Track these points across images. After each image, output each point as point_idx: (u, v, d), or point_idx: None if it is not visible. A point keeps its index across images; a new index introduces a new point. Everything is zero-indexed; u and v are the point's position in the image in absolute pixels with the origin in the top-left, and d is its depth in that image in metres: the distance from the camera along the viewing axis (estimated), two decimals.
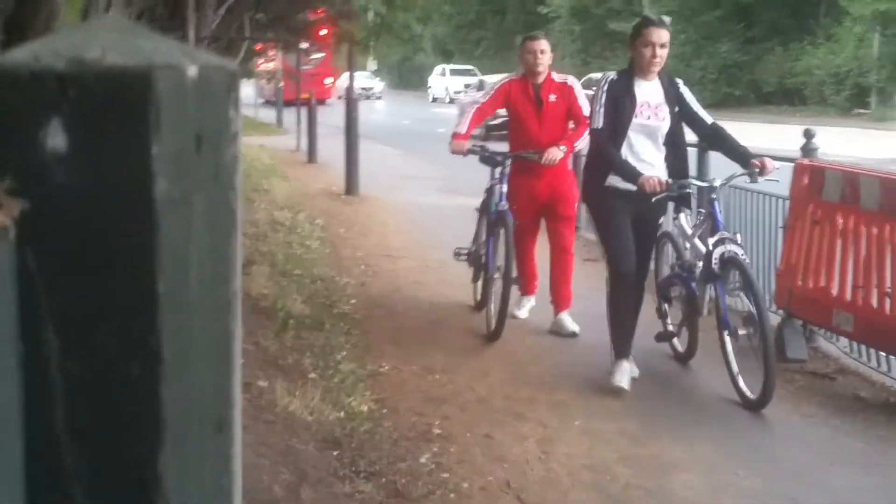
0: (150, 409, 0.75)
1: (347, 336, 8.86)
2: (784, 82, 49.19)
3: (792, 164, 8.61)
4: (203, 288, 0.77)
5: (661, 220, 8.27)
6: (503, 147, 9.79)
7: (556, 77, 9.49)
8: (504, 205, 9.17)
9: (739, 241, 7.66)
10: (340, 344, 8.50)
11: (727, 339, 7.53)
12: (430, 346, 8.73)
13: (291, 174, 22.02)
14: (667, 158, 7.87)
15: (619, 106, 7.70)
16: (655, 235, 8.30)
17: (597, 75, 23.09)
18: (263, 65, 34.30)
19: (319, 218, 15.70)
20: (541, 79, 9.40)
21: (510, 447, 6.54)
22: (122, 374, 0.74)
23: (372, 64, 68.55)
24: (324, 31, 14.62)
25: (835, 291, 7.95)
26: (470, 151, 9.58)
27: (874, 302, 7.55)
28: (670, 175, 7.72)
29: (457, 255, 10.27)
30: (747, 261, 7.60)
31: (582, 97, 9.40)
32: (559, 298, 9.42)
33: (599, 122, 7.74)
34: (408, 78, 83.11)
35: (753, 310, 7.20)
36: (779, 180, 8.02)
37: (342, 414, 6.74)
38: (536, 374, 8.05)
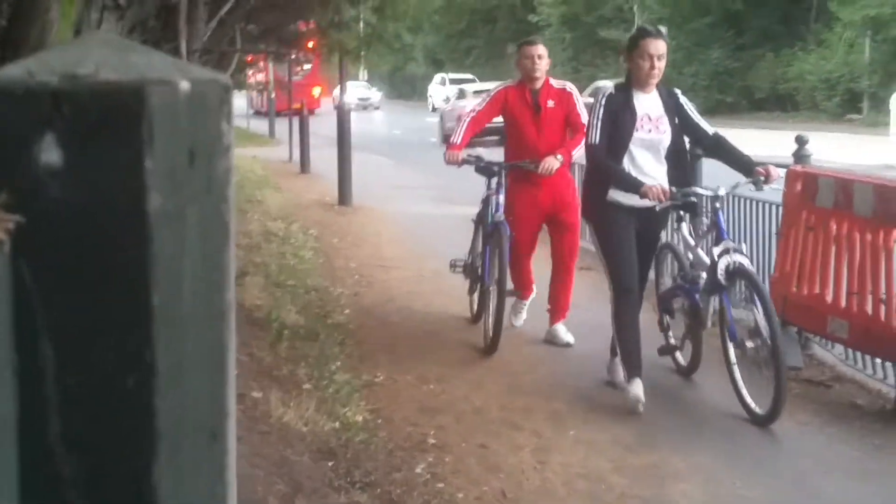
0: (145, 420, 0.75)
1: (342, 346, 8.86)
2: (776, 88, 49.25)
3: (784, 171, 8.59)
4: (197, 300, 0.77)
5: (662, 231, 8.13)
6: (492, 154, 9.73)
7: (555, 83, 9.34)
8: (500, 216, 9.02)
9: (745, 251, 7.55)
10: (335, 354, 8.49)
11: (733, 351, 7.38)
12: (424, 356, 8.72)
13: (284, 185, 22.02)
14: (669, 172, 7.69)
15: (619, 120, 7.53)
16: (655, 247, 8.16)
17: (603, 83, 22.49)
18: (254, 76, 34.32)
19: (313, 228, 15.69)
20: (538, 84, 9.22)
21: (505, 457, 6.53)
22: (117, 385, 0.74)
23: (363, 74, 68.53)
24: (311, 43, 14.61)
25: (829, 298, 7.96)
26: (465, 162, 9.40)
27: (869, 308, 7.55)
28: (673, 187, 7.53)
29: (453, 266, 10.10)
30: (754, 271, 7.49)
31: (580, 104, 9.22)
32: (557, 309, 9.29)
33: (596, 138, 7.58)
34: (399, 87, 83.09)
35: (762, 322, 6.99)
36: (782, 189, 7.94)
37: (337, 424, 6.73)
38: (531, 383, 8.04)
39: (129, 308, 0.73)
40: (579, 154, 9.01)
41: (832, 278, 7.98)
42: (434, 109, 63.14)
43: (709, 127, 7.87)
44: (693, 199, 7.71)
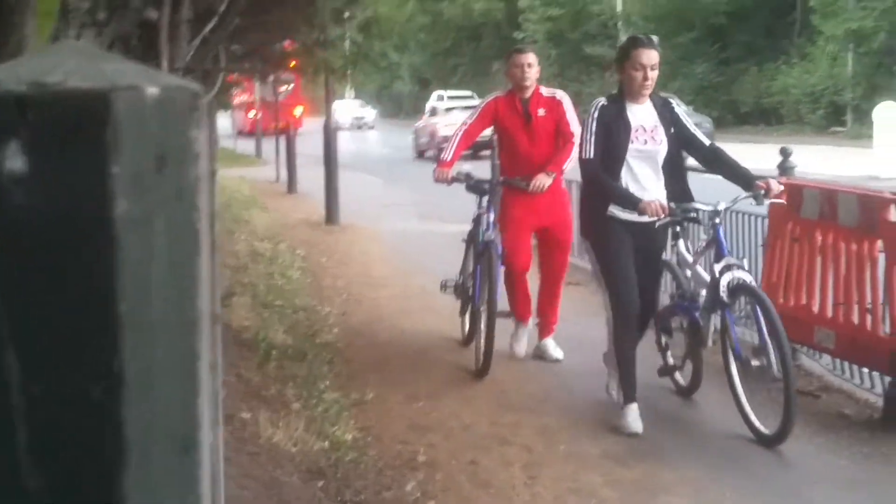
0: (114, 430, 0.74)
1: (330, 365, 8.83)
2: (760, 102, 49.42)
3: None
4: (167, 308, 0.76)
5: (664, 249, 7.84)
6: (478, 169, 9.62)
7: (545, 91, 9.17)
8: (490, 235, 8.84)
9: (747, 267, 7.36)
10: (323, 374, 8.47)
11: (736, 370, 7.18)
12: (413, 374, 8.70)
13: (271, 205, 22.02)
14: (667, 184, 7.48)
15: (613, 133, 7.32)
16: (660, 267, 7.85)
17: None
18: (238, 97, 34.41)
19: (300, 248, 15.68)
20: (528, 93, 9.04)
21: (496, 473, 6.52)
22: (84, 395, 0.73)
23: (351, 93, 68.62)
24: (293, 63, 14.61)
25: (816, 309, 7.97)
26: (454, 180, 9.24)
27: (855, 318, 7.56)
28: (671, 201, 7.31)
29: (443, 287, 9.85)
30: (758, 287, 7.31)
31: (571, 112, 9.03)
32: (545, 324, 9.21)
33: (590, 152, 7.36)
34: (385, 105, 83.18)
35: (768, 339, 6.77)
36: (784, 202, 7.75)
37: (326, 444, 6.71)
38: (521, 399, 8.03)
39: (96, 316, 0.73)
40: (570, 166, 8.88)
41: (818, 289, 8.00)
42: None
43: (705, 138, 7.69)
44: (693, 214, 7.52)
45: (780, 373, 6.65)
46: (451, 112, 39.48)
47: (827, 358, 8.07)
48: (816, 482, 6.30)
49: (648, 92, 7.41)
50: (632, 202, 7.12)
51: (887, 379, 7.35)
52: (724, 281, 7.11)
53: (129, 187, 0.72)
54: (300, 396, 7.67)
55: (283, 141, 26.81)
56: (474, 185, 9.26)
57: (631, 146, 7.32)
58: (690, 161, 7.82)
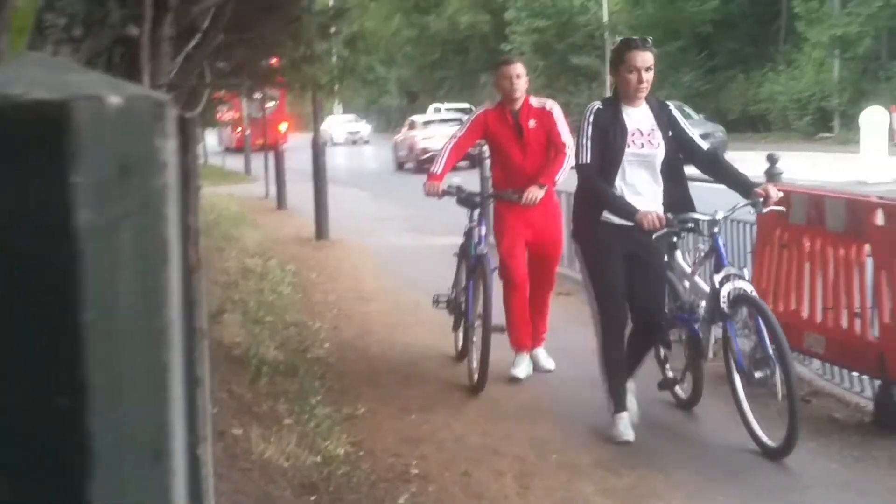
0: (80, 439, 0.74)
1: (322, 380, 8.83)
2: (748, 109, 49.57)
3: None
4: (134, 318, 0.77)
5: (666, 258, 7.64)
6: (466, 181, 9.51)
7: (535, 102, 9.00)
8: (483, 248, 8.81)
9: (748, 277, 7.26)
10: (315, 388, 8.46)
11: (739, 382, 7.05)
12: (405, 387, 8.71)
13: (261, 221, 22.03)
14: (665, 190, 7.32)
15: (609, 137, 7.15)
16: (662, 273, 7.54)
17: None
18: (225, 114, 34.50)
19: (290, 264, 15.67)
20: (518, 105, 8.90)
21: (488, 484, 6.53)
22: (49, 404, 0.74)
23: (339, 108, 68.59)
24: (279, 80, 14.60)
25: (805, 314, 7.99)
26: (445, 193, 9.10)
27: (844, 323, 7.59)
28: (671, 208, 7.17)
29: (436, 302, 9.76)
30: (759, 298, 7.18)
31: (562, 122, 8.92)
32: (534, 335, 9.12)
33: (587, 157, 7.19)
34: (377, 120, 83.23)
35: (771, 350, 6.69)
36: (784, 209, 7.57)
37: (319, 458, 6.71)
38: (512, 409, 8.03)
39: (60, 325, 0.73)
40: (563, 177, 8.83)
41: (807, 294, 8.01)
42: None
43: (703, 142, 7.55)
44: (691, 224, 7.31)
45: (783, 384, 6.59)
46: (429, 125, 41.13)
47: (817, 362, 8.10)
48: (808, 486, 6.32)
49: (644, 95, 7.27)
50: (629, 213, 6.96)
51: (877, 382, 7.39)
52: (724, 291, 6.99)
53: (92, 196, 0.72)
54: (292, 411, 7.66)
55: (272, 157, 26.85)
56: (465, 199, 9.18)
57: (627, 150, 7.18)
58: (691, 170, 7.63)
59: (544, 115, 8.92)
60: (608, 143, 7.16)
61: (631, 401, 7.44)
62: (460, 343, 9.45)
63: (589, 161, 7.19)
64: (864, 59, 44.96)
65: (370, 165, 45.36)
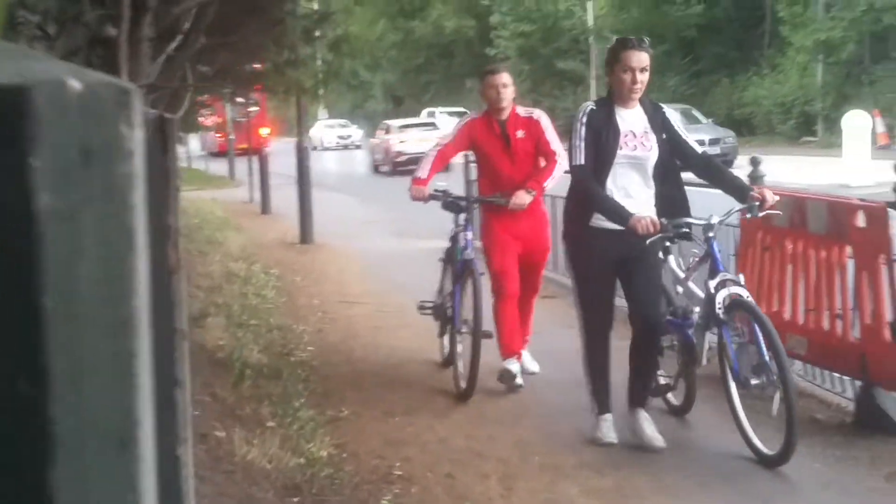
0: (41, 424, 0.74)
1: (306, 383, 8.82)
2: (732, 113, 49.66)
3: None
4: (97, 305, 0.77)
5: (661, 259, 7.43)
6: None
7: (522, 111, 8.82)
8: (470, 253, 8.67)
9: (743, 282, 7.11)
10: (298, 391, 8.45)
11: (735, 390, 6.93)
12: (389, 390, 8.70)
13: (245, 225, 21.99)
14: (659, 194, 7.21)
15: (601, 138, 7.02)
16: (658, 277, 7.35)
17: None
18: (209, 118, 34.59)
19: (275, 268, 15.65)
20: (505, 115, 8.71)
21: (472, 486, 6.53)
22: (9, 388, 0.74)
23: (323, 112, 68.47)
24: (262, 83, 14.59)
25: (787, 316, 8.01)
26: (432, 197, 8.93)
27: (826, 324, 7.62)
28: (667, 211, 7.04)
29: (421, 308, 9.67)
30: (755, 304, 7.07)
31: (550, 131, 8.74)
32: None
33: (580, 159, 7.03)
34: (362, 124, 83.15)
35: (767, 358, 6.55)
36: (781, 213, 7.49)
37: (302, 460, 6.70)
38: (495, 412, 8.03)
39: (19, 309, 0.73)
40: (552, 184, 8.73)
41: (789, 296, 8.04)
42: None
43: (697, 146, 7.38)
44: (686, 229, 7.15)
45: (781, 391, 6.46)
46: (403, 130, 42.42)
47: (799, 364, 8.11)
48: (790, 486, 6.34)
49: (638, 96, 7.12)
50: (622, 217, 6.81)
51: (858, 383, 7.41)
52: (720, 297, 6.87)
53: (52, 181, 0.73)
54: (275, 414, 7.65)
55: (256, 162, 26.83)
56: (451, 203, 9.07)
57: (619, 152, 7.05)
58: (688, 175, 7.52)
59: (532, 125, 8.75)
60: (600, 144, 7.04)
61: (649, 428, 7.16)
62: (446, 349, 9.31)
63: (582, 162, 7.04)
64: (847, 64, 45.10)
65: (359, 170, 45.35)
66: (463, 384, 8.39)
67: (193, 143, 48.47)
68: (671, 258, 7.62)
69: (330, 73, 13.85)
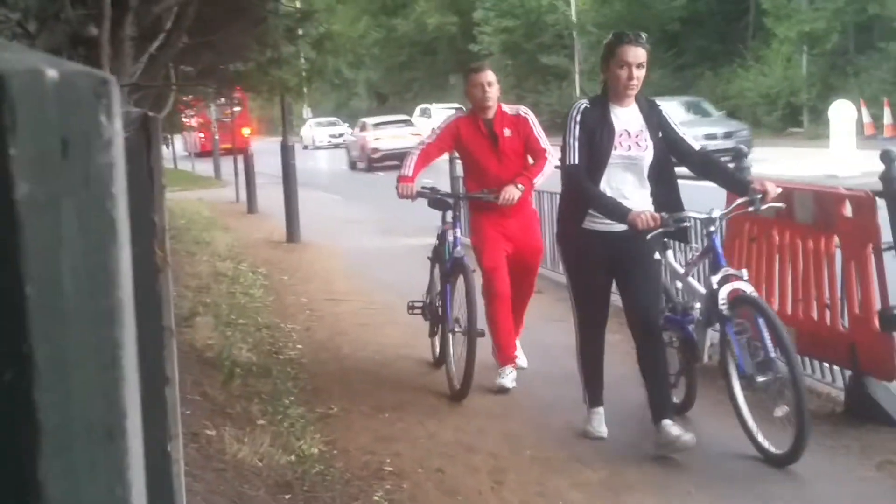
0: (27, 414, 0.74)
1: (295, 381, 8.83)
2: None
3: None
4: (80, 295, 0.76)
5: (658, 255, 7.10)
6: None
7: (508, 109, 8.67)
8: (460, 251, 8.54)
9: (746, 277, 6.91)
10: (288, 389, 8.46)
11: (740, 388, 6.74)
12: (378, 387, 8.70)
13: (232, 225, 22.00)
14: (653, 194, 6.99)
15: (595, 137, 6.79)
16: (656, 278, 7.08)
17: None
18: (191, 118, 34.65)
19: (262, 267, 15.67)
20: (491, 113, 8.55)
21: (463, 480, 6.53)
22: None
23: (307, 111, 68.39)
24: (246, 83, 14.58)
25: (776, 307, 8.00)
26: (419, 195, 8.81)
27: (815, 314, 7.63)
28: (660, 210, 6.78)
29: (411, 308, 9.55)
30: (761, 298, 6.95)
31: (538, 128, 8.62)
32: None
33: (574, 158, 6.81)
34: (349, 123, 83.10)
35: (774, 354, 6.41)
36: (784, 205, 7.36)
37: (293, 458, 6.71)
38: (485, 406, 8.04)
39: (2, 298, 0.73)
40: (542, 181, 8.65)
41: (777, 287, 8.04)
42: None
43: (694, 142, 7.15)
44: (687, 224, 7.05)
45: (790, 387, 6.29)
46: (378, 127, 43.54)
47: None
48: (781, 475, 6.34)
49: (634, 92, 6.91)
50: (620, 214, 6.62)
51: (848, 373, 7.42)
52: (723, 293, 6.66)
53: (31, 170, 0.72)
54: (265, 412, 7.65)
55: (241, 161, 26.83)
56: (438, 200, 8.97)
57: (614, 152, 6.83)
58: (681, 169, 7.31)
59: (520, 123, 8.61)
60: (594, 144, 6.82)
61: (674, 430, 6.70)
62: (437, 349, 9.21)
63: (577, 162, 6.83)
64: (831, 55, 45.18)
65: (343, 168, 45.40)
66: (457, 384, 8.23)
67: (178, 144, 48.53)
68: (669, 253, 7.51)
69: (313, 71, 13.85)
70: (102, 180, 0.78)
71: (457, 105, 51.90)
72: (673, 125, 7.09)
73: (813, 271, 7.66)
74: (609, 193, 6.80)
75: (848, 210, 7.33)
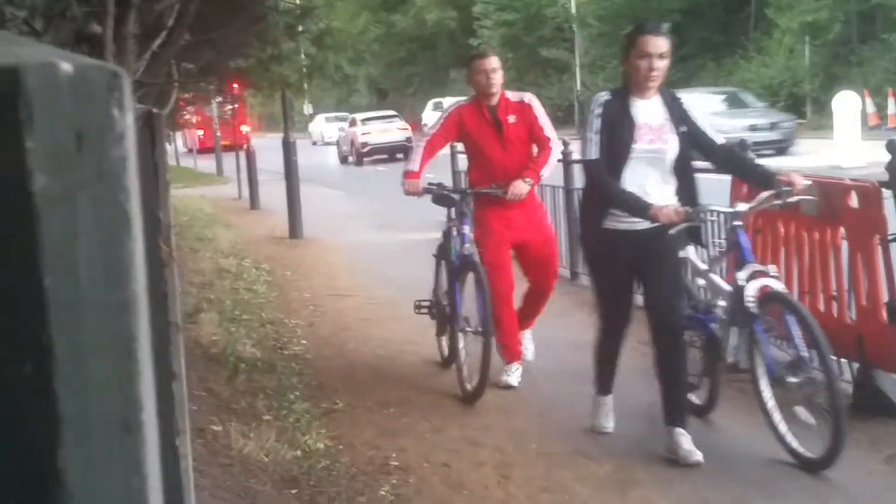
0: (47, 405, 0.75)
1: (300, 376, 8.83)
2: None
3: (730, 177, 8.51)
4: (96, 287, 0.77)
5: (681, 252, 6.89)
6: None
7: (512, 96, 8.54)
8: (469, 248, 8.34)
9: (776, 274, 6.73)
10: (293, 384, 8.47)
11: (770, 389, 6.51)
12: (382, 381, 8.71)
13: (235, 222, 22.04)
14: (677, 190, 6.72)
15: (616, 131, 6.55)
16: (680, 269, 6.90)
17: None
18: (192, 116, 34.75)
19: (265, 263, 15.69)
20: (495, 100, 8.43)
21: (468, 474, 6.54)
22: (14, 369, 0.74)
23: (307, 107, 68.33)
24: (247, 80, 14.60)
25: None
26: (426, 191, 8.68)
27: (821, 306, 7.60)
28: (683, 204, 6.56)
29: (417, 308, 9.43)
30: (791, 295, 6.74)
31: (543, 116, 8.49)
32: (523, 323, 8.79)
33: (594, 152, 6.57)
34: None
35: (805, 353, 6.25)
36: (814, 198, 7.06)
37: (299, 453, 6.73)
38: (490, 401, 8.01)
39: (20, 290, 0.73)
40: (549, 172, 8.51)
41: (783, 279, 8.02)
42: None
43: (717, 136, 6.90)
44: (712, 217, 6.85)
45: (825, 388, 6.10)
46: (367, 122, 45.69)
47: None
48: (788, 469, 6.32)
49: (655, 84, 6.65)
50: (642, 209, 6.38)
51: (855, 365, 7.39)
52: (750, 290, 6.44)
53: (48, 163, 0.73)
54: (270, 408, 7.67)
55: (243, 158, 26.85)
56: (443, 197, 8.80)
57: (635, 146, 6.56)
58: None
59: (524, 109, 8.48)
60: (614, 137, 6.56)
61: (685, 443, 6.59)
62: (445, 349, 9.05)
63: (596, 157, 6.60)
64: (834, 45, 45.06)
65: (346, 165, 45.47)
66: (468, 386, 8.06)
67: (179, 141, 48.76)
68: (691, 250, 7.19)
69: (314, 67, 13.86)
70: (116, 173, 0.78)
71: (465, 98, 52.09)
72: (695, 119, 6.82)
73: (819, 263, 7.64)
74: (631, 189, 6.51)
75: (854, 201, 7.31)
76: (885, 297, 7.07)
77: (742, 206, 6.80)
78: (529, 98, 8.68)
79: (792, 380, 6.33)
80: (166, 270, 2.74)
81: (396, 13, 75.22)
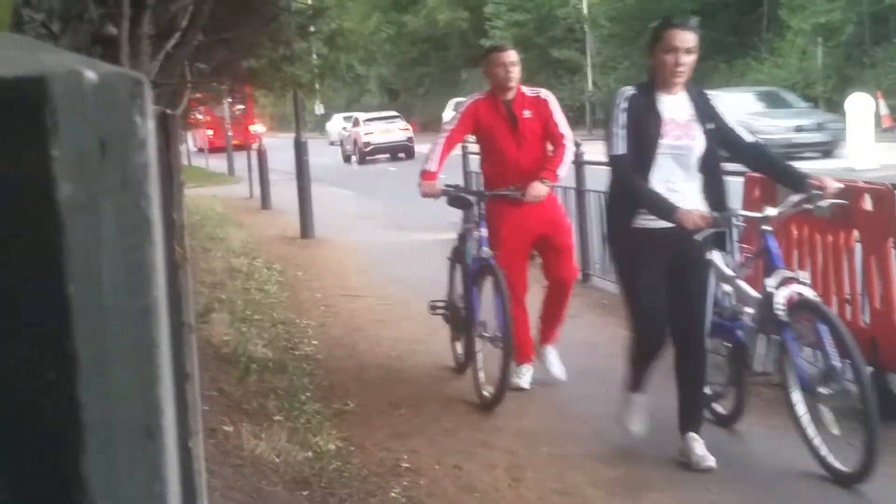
0: (71, 412, 0.75)
1: (311, 377, 8.84)
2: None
3: (742, 178, 8.49)
4: (118, 294, 0.77)
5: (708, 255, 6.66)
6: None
7: (528, 91, 8.45)
8: (487, 251, 8.11)
9: (806, 280, 6.52)
10: (304, 385, 8.48)
11: (802, 400, 6.35)
12: (394, 382, 8.71)
13: (246, 221, 22.08)
14: (704, 188, 6.53)
15: (643, 127, 6.35)
16: (707, 275, 6.66)
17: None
18: (203, 115, 34.88)
19: (276, 263, 15.72)
20: (511, 94, 8.32)
21: (480, 476, 6.53)
22: (39, 376, 0.74)
23: (319, 107, 68.38)
24: (260, 80, 14.63)
25: None
26: (444, 193, 8.59)
27: (835, 310, 7.56)
28: (709, 207, 6.39)
29: (432, 308, 9.30)
30: (823, 304, 6.58)
31: (558, 112, 8.40)
32: (547, 335, 8.59)
33: (621, 148, 6.36)
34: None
35: (837, 363, 6.06)
36: (847, 202, 6.83)
37: (310, 454, 6.73)
38: (502, 403, 7.99)
39: (45, 297, 0.74)
40: (565, 172, 8.44)
41: None
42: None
43: (746, 134, 6.69)
44: (739, 222, 6.76)
45: (859, 400, 5.92)
46: (369, 122, 46.85)
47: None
48: (798, 474, 6.30)
49: (682, 80, 6.43)
50: (667, 211, 6.17)
51: (870, 369, 7.33)
52: (780, 297, 6.27)
53: (73, 171, 0.73)
54: (282, 408, 7.68)
55: (255, 158, 26.90)
56: (459, 199, 8.66)
57: (662, 142, 6.36)
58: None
59: (540, 104, 8.39)
60: (641, 133, 6.36)
61: (698, 448, 6.53)
62: (460, 354, 8.92)
63: (624, 153, 6.38)
64: (847, 46, 45.00)
65: (354, 167, 45.50)
66: (486, 393, 7.94)
67: (190, 140, 48.93)
68: (717, 254, 6.90)
69: (325, 67, 13.91)
70: (138, 180, 0.79)
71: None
72: (723, 116, 6.63)
73: (832, 266, 7.61)
74: (658, 186, 6.34)
75: (867, 203, 7.28)
76: None
77: (771, 211, 6.59)
78: (546, 94, 8.60)
79: (824, 391, 6.17)
80: (180, 272, 2.74)
81: (408, 13, 75.25)
